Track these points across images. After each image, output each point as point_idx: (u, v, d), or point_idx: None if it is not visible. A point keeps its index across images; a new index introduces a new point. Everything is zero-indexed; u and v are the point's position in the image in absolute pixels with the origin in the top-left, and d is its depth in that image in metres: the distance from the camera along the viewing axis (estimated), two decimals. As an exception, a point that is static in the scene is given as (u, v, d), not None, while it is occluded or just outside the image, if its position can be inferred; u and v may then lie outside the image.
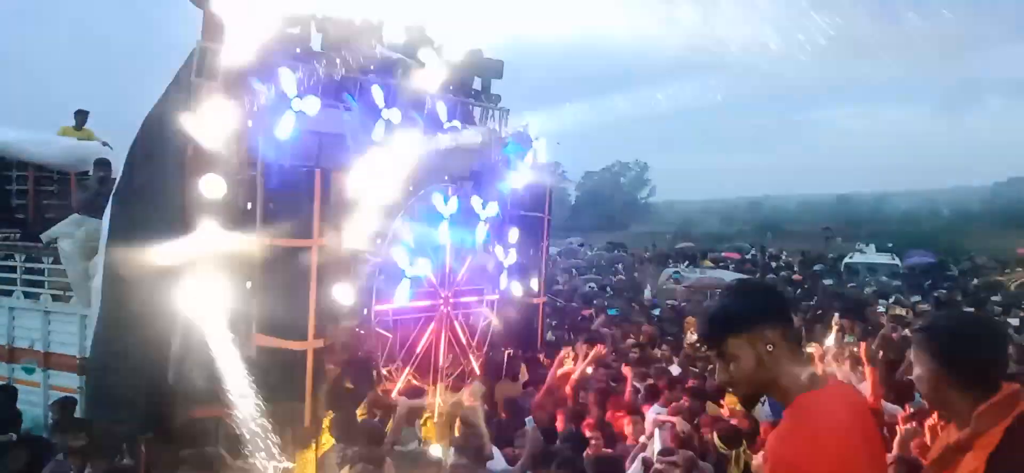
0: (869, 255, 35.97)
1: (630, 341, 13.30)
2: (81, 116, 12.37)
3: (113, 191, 8.20)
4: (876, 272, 31.53)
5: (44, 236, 9.72)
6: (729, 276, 25.79)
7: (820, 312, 16.18)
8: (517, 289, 10.76)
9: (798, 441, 2.51)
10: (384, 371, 8.98)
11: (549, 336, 13.28)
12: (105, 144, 10.92)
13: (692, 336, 11.19)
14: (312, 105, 7.82)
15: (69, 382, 9.38)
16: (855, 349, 9.87)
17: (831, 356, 9.33)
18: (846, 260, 35.47)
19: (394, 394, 8.65)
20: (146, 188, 7.72)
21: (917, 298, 23.22)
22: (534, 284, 11.28)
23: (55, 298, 9.69)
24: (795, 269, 31.75)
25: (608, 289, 23.13)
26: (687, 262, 32.15)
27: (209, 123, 7.18)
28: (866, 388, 7.64)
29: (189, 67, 7.70)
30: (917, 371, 2.83)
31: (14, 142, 11.20)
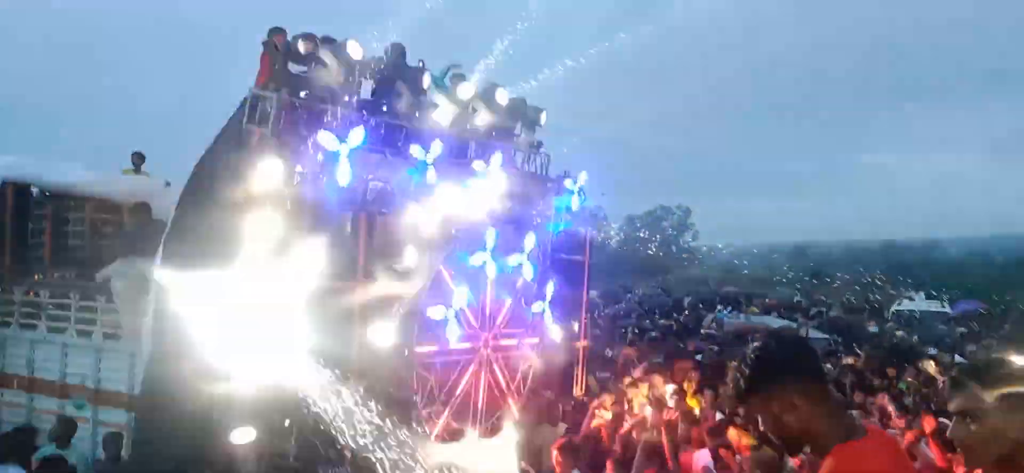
0: (918, 303, 35.16)
1: (672, 388, 13.13)
2: (138, 158, 12.74)
3: (165, 233, 8.43)
4: (925, 321, 30.81)
5: (98, 276, 10.00)
6: (772, 322, 25.41)
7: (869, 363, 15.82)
8: (557, 333, 10.76)
9: None
10: (424, 413, 9.03)
11: (590, 380, 13.20)
12: (168, 183, 11.22)
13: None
14: (356, 136, 7.99)
15: (118, 418, 9.58)
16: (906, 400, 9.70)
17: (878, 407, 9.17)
18: (894, 308, 34.71)
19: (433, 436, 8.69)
20: (197, 231, 7.94)
21: (973, 347, 22.54)
22: (575, 328, 11.28)
23: (107, 336, 9.91)
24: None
25: (652, 335, 22.89)
26: (730, 307, 31.74)
27: (259, 168, 7.39)
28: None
29: (240, 114, 7.97)
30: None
31: (78, 180, 11.55)
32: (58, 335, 10.36)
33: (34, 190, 11.60)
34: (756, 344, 2.80)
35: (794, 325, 24.64)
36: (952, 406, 2.45)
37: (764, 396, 2.61)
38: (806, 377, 2.60)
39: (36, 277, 11.09)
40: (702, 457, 8.42)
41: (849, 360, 15.69)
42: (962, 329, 27.95)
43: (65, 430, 9.02)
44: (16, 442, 8.39)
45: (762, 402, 2.61)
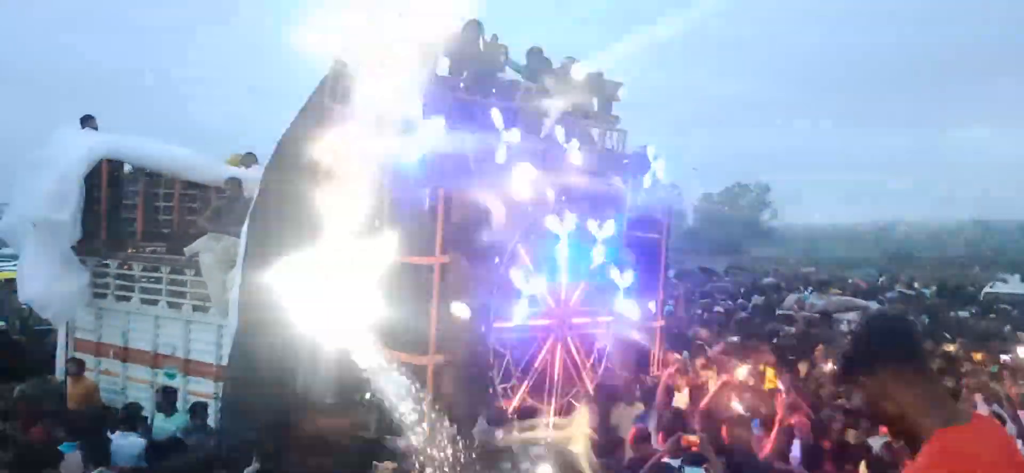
0: (1012, 285, 33.48)
1: (747, 369, 12.89)
2: (250, 158, 13.09)
3: (250, 209, 8.67)
4: (1021, 305, 29.33)
5: (186, 250, 10.37)
6: (858, 302, 24.66)
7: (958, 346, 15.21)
8: (633, 311, 10.66)
9: None
10: (500, 388, 9.08)
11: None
12: None
13: (825, 366, 10.63)
14: (437, 126, 8.07)
15: (206, 388, 9.96)
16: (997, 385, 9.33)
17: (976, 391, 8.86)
18: (985, 290, 33.17)
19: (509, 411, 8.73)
20: (280, 207, 8.14)
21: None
22: (651, 307, 11.15)
23: (195, 308, 10.29)
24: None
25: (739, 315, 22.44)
26: (811, 288, 30.90)
27: (340, 145, 7.52)
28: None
29: (322, 91, 8.11)
30: None
31: (174, 162, 11.99)
32: (150, 307, 10.81)
33: (127, 166, 12.07)
34: (857, 324, 2.73)
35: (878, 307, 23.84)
36: None
37: (862, 379, 2.53)
38: (903, 360, 2.50)
39: (129, 250, 11.57)
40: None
41: (949, 348, 15.06)
42: None
43: (167, 399, 9.54)
44: (128, 415, 8.90)
45: (861, 385, 2.54)
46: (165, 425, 9.27)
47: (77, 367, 10.62)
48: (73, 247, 11.06)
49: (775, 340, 16.22)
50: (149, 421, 9.54)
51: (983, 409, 8.43)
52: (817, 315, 21.41)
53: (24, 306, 14.74)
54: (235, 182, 10.64)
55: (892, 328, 2.68)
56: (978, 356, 13.79)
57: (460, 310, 8.21)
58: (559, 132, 9.82)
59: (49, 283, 10.98)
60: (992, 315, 26.12)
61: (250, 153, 13.01)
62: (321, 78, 8.13)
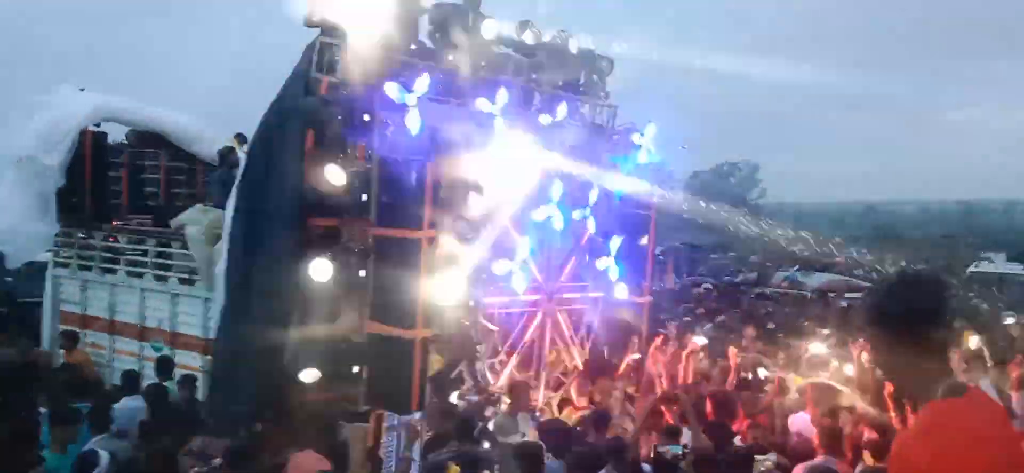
0: (998, 264, 33.64)
1: (732, 349, 12.89)
2: (240, 139, 13.01)
3: (237, 182, 8.59)
4: (1007, 283, 29.50)
5: (172, 222, 10.28)
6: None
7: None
8: (621, 287, 10.65)
9: (924, 448, 2.40)
10: (488, 363, 9.07)
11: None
12: None
13: (816, 347, 10.52)
14: (422, 83, 7.94)
15: (193, 361, 9.89)
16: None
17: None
18: (971, 269, 33.33)
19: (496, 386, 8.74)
20: (267, 179, 8.06)
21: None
22: (639, 283, 11.15)
23: (182, 281, 10.21)
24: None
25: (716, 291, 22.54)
26: (798, 266, 31.03)
27: (326, 116, 7.45)
28: None
29: (308, 61, 8.01)
30: None
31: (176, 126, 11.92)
32: (136, 280, 10.72)
33: (111, 137, 11.96)
34: (880, 283, 2.76)
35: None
36: None
37: (877, 334, 2.56)
38: (912, 328, 2.49)
39: (114, 222, 11.46)
40: (798, 420, 8.20)
41: None
42: None
43: (165, 366, 9.55)
44: (127, 381, 9.00)
45: (875, 342, 2.59)
46: None
47: (69, 340, 10.55)
48: (58, 210, 10.96)
49: (765, 317, 16.29)
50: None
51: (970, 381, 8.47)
52: (810, 295, 21.44)
53: (9, 280, 14.65)
54: (230, 151, 10.58)
55: (912, 294, 2.61)
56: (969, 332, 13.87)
57: (448, 284, 8.17)
58: (549, 112, 9.76)
59: (20, 220, 10.86)
60: (972, 293, 26.29)
61: (240, 134, 12.93)
62: (306, 46, 8.03)
